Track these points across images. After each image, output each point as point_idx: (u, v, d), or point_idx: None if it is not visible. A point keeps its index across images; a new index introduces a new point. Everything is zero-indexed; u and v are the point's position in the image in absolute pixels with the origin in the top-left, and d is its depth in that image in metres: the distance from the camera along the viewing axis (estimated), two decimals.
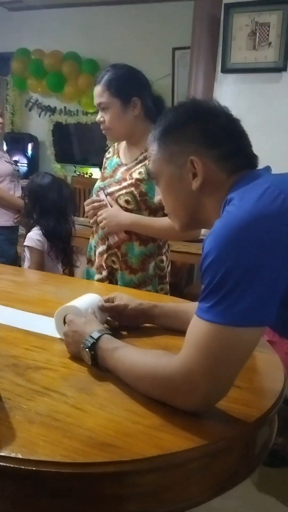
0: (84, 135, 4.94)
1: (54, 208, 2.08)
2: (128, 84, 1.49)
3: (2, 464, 0.64)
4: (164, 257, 1.62)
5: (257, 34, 2.69)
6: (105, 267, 1.60)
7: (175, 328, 1.09)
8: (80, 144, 5.08)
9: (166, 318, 1.11)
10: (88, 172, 4.87)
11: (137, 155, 1.57)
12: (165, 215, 1.46)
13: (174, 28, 3.99)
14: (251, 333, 0.71)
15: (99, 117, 1.54)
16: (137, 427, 0.73)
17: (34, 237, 2.12)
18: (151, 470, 0.67)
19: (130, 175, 1.54)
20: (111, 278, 1.60)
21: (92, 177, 4.64)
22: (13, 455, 0.65)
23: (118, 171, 1.60)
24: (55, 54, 4.56)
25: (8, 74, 5.01)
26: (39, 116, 5.04)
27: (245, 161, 0.86)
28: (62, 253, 2.15)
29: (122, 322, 1.12)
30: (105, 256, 1.60)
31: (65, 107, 4.86)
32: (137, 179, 1.51)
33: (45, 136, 5.02)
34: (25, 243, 2.14)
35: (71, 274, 2.22)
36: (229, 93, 2.79)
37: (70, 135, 5.04)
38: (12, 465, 0.64)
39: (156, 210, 1.52)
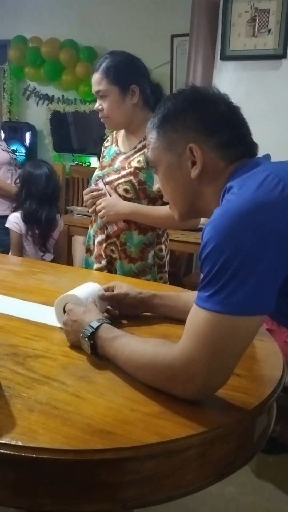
0: (82, 124, 4.90)
1: (38, 194, 2.16)
2: (127, 72, 1.48)
3: (2, 451, 0.65)
4: (163, 246, 1.62)
5: (257, 20, 2.65)
6: (104, 256, 1.60)
7: (174, 317, 1.10)
8: (78, 133, 5.04)
9: (165, 307, 1.12)
10: (87, 161, 4.85)
11: (135, 144, 1.56)
12: (164, 204, 1.46)
13: (173, 15, 3.94)
14: (251, 322, 0.71)
15: (97, 105, 1.52)
16: (136, 414, 0.73)
17: (12, 219, 2.22)
18: (150, 456, 0.68)
19: (129, 163, 1.53)
20: (110, 268, 1.60)
21: (91, 166, 4.62)
22: (13, 442, 0.65)
23: (117, 160, 1.59)
24: (52, 42, 4.51)
25: (5, 62, 4.95)
26: (37, 105, 5.00)
27: (245, 149, 0.86)
28: (40, 238, 2.22)
29: (122, 311, 1.13)
30: (104, 245, 1.59)
31: (63, 96, 4.82)
32: (136, 168, 1.51)
33: (43, 125, 4.98)
34: (5, 225, 2.24)
35: (55, 261, 2.25)
36: (228, 81, 2.77)
37: (68, 124, 4.99)
38: (12, 453, 0.64)
39: (155, 199, 1.52)
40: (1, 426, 0.69)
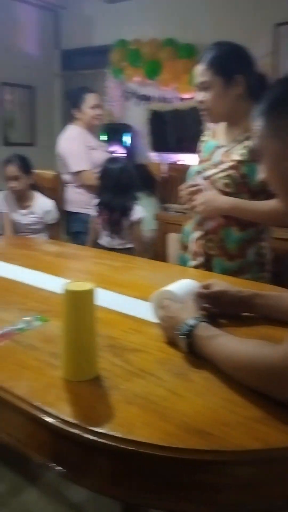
0: (180, 122, 4.91)
1: (112, 185, 2.39)
2: (232, 62, 1.44)
3: (101, 441, 0.66)
4: (265, 243, 1.54)
5: None
6: (201, 253, 1.57)
7: (276, 318, 1.04)
8: (176, 131, 5.06)
9: (267, 307, 1.06)
10: (184, 159, 4.84)
11: (237, 136, 1.50)
12: (267, 198, 1.39)
13: (276, 2, 3.77)
14: None
15: (199, 97, 1.49)
16: (236, 417, 0.70)
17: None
18: (251, 463, 0.64)
19: (230, 157, 1.48)
20: (207, 265, 1.56)
21: (188, 164, 4.60)
22: (112, 433, 0.66)
23: (216, 154, 1.55)
24: (152, 42, 4.58)
25: (106, 66, 5.15)
26: (136, 106, 5.11)
27: None
28: (109, 224, 2.41)
29: (220, 310, 1.09)
30: (201, 241, 1.56)
31: (161, 95, 4.88)
32: (237, 161, 1.45)
33: (142, 124, 5.08)
34: None
35: (133, 252, 2.36)
36: None
37: (166, 122, 5.04)
38: (110, 443, 0.65)
39: (257, 193, 1.45)
40: (100, 416, 0.70)
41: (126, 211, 2.39)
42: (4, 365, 0.87)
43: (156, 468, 0.66)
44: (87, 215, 2.63)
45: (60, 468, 0.72)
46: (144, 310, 1.11)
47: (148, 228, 2.94)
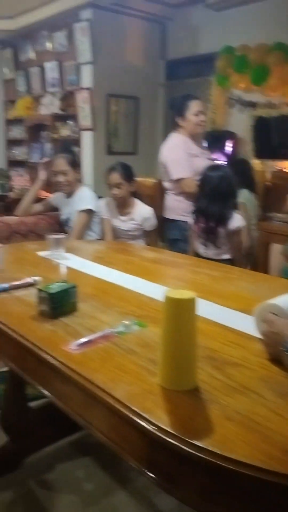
0: (286, 128, 4.71)
1: (211, 192, 2.36)
2: None
3: (199, 455, 0.64)
4: None
5: None
6: None
7: None
8: (282, 137, 4.87)
9: None
10: None
11: None
12: None
13: None
14: None
15: None
16: None
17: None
18: None
19: None
20: None
21: None
22: (211, 448, 0.63)
23: None
24: (260, 47, 4.46)
25: (211, 74, 5.13)
26: (240, 112, 5.02)
27: None
28: (203, 233, 2.37)
29: None
30: None
31: (267, 101, 4.72)
32: None
33: (245, 132, 4.97)
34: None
35: (232, 262, 2.29)
36: None
37: (271, 129, 4.86)
38: (209, 458, 0.63)
39: None
40: (199, 429, 0.68)
41: (222, 219, 2.34)
42: (104, 367, 0.89)
43: (255, 491, 0.63)
44: (185, 222, 2.63)
45: (152, 475, 0.71)
46: (245, 323, 1.06)
47: (249, 227, 2.85)
